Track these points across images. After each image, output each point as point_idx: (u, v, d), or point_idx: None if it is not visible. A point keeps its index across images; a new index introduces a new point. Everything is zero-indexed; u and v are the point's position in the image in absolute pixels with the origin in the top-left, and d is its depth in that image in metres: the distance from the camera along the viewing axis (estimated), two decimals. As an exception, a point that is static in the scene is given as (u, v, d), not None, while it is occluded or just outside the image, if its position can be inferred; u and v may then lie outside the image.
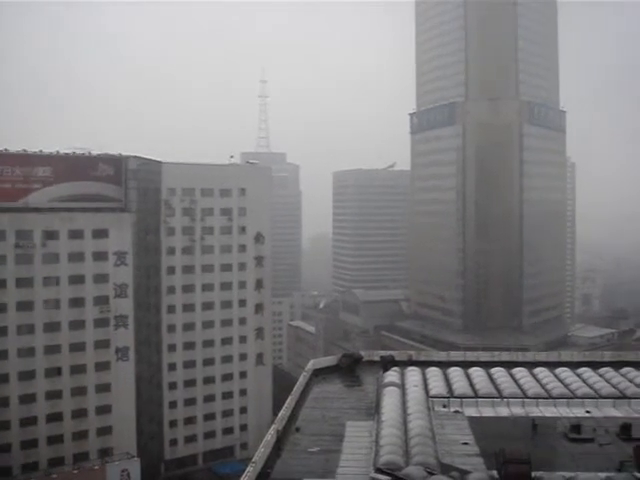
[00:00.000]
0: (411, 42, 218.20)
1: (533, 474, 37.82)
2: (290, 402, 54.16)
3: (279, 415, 50.83)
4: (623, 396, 57.26)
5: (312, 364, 67.30)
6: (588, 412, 54.31)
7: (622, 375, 63.10)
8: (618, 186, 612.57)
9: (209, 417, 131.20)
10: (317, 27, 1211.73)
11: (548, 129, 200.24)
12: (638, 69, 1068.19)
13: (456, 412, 54.08)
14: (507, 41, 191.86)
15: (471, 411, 54.34)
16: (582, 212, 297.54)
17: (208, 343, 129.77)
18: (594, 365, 66.89)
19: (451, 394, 57.42)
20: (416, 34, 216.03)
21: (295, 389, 57.92)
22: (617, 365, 67.05)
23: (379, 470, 39.10)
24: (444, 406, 55.16)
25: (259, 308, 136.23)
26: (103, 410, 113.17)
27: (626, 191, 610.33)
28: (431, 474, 38.53)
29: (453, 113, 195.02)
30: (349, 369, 68.18)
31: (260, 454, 42.78)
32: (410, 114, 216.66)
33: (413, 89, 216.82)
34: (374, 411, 52.29)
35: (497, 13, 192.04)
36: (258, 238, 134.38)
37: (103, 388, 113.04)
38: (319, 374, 66.10)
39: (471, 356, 72.35)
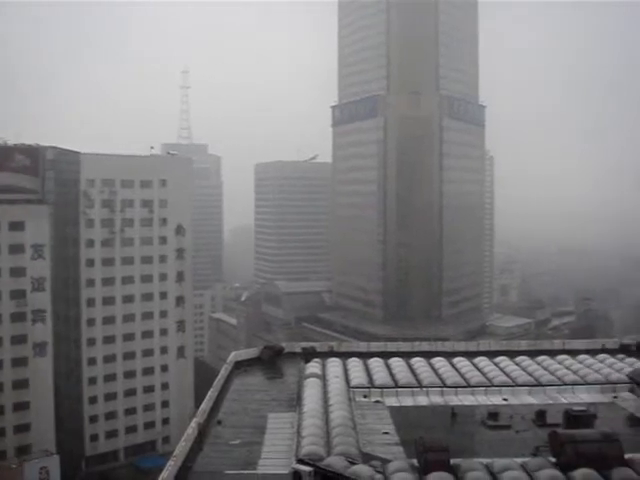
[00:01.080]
0: (335, 36, 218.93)
1: (452, 461, 38.45)
2: (211, 395, 53.84)
3: (200, 408, 50.49)
4: (538, 384, 58.72)
5: (233, 356, 67.05)
6: (505, 400, 55.55)
7: (538, 363, 64.70)
8: (535, 180, 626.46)
9: (130, 412, 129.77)
10: (243, 24, 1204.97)
11: (468, 123, 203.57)
12: (558, 66, 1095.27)
13: (377, 402, 54.64)
14: (428, 36, 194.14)
15: (391, 401, 54.97)
16: (500, 205, 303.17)
17: (128, 337, 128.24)
18: (511, 354, 68.31)
19: (372, 384, 57.93)
20: (339, 28, 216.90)
21: (216, 382, 57.60)
22: (533, 354, 68.65)
23: (301, 461, 39.18)
24: (365, 396, 55.66)
25: (180, 301, 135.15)
26: (21, 407, 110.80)
27: (542, 185, 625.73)
28: (352, 464, 38.78)
29: (375, 106, 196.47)
30: (271, 361, 68.16)
31: (181, 448, 42.46)
32: (332, 107, 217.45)
33: (336, 82, 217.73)
34: (295, 402, 52.39)
35: (419, 8, 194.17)
36: (179, 230, 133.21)
37: (20, 384, 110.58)
38: (241, 366, 65.88)
39: (392, 346, 73.09)
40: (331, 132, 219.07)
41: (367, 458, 40.81)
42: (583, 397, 56.21)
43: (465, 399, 55.70)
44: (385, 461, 40.09)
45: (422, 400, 55.57)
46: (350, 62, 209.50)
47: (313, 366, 62.21)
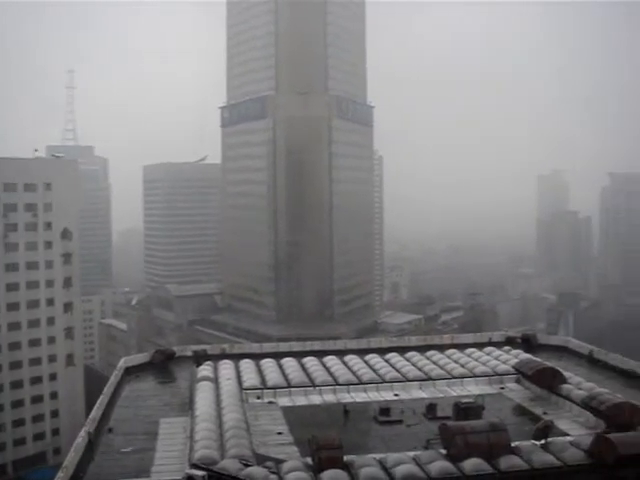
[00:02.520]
0: (224, 36, 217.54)
1: (345, 458, 38.80)
2: (101, 402, 52.58)
3: (90, 416, 49.21)
4: (429, 378, 59.85)
5: (124, 362, 65.70)
6: (396, 395, 56.40)
7: (427, 358, 65.92)
8: (423, 179, 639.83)
9: (18, 423, 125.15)
10: (133, 25, 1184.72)
11: (356, 123, 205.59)
12: (443, 67, 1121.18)
13: (270, 403, 54.59)
14: (317, 36, 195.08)
15: (285, 401, 55.03)
16: (390, 204, 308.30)
17: (14, 346, 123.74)
18: (402, 350, 69.36)
19: (264, 385, 57.80)
20: (227, 27, 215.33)
21: (106, 388, 56.30)
22: (423, 349, 69.94)
23: (194, 465, 38.76)
24: (258, 397, 55.53)
25: (68, 307, 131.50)
26: None
27: (430, 184, 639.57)
28: (246, 466, 38.62)
29: (264, 107, 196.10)
30: (162, 365, 67.16)
31: (71, 458, 41.27)
32: (221, 108, 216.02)
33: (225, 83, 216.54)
34: (188, 407, 51.80)
35: (307, 8, 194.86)
36: (65, 234, 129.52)
37: None
38: (132, 372, 64.63)
39: (284, 347, 73.14)
40: (220, 133, 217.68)
41: (261, 459, 40.68)
42: (472, 389, 57.65)
43: (357, 396, 56.25)
44: (279, 461, 40.09)
45: (315, 399, 55.82)
46: (239, 62, 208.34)
47: (205, 369, 61.56)
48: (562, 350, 71.02)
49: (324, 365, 63.64)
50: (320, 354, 67.69)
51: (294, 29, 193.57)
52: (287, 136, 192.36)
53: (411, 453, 40.66)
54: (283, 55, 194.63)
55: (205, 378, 58.07)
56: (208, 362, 64.54)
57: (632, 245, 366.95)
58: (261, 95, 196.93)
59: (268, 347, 73.75)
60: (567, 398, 52.35)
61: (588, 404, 48.23)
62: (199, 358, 66.25)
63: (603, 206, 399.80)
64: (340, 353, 68.34)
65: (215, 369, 62.29)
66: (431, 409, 50.75)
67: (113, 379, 59.98)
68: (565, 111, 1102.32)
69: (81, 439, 44.18)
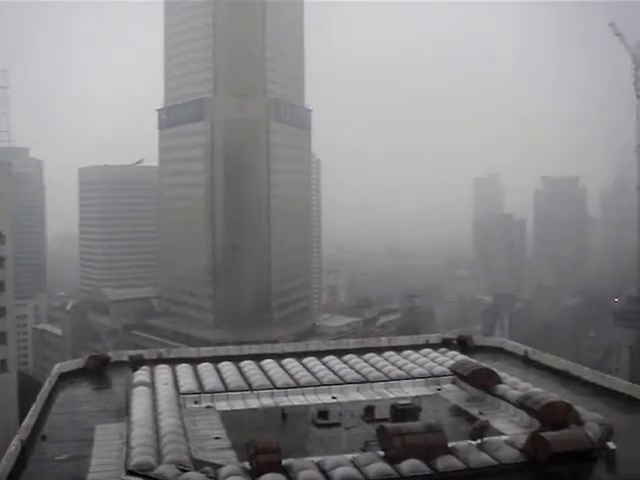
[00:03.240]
0: (161, 37, 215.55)
1: (284, 462, 38.68)
2: (35, 409, 51.45)
3: (23, 424, 48.11)
4: (366, 380, 60.08)
5: (58, 368, 64.51)
6: (334, 398, 56.44)
7: (365, 361, 66.15)
8: (361, 182, 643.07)
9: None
10: (69, 25, 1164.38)
11: (294, 126, 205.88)
12: (381, 69, 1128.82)
13: (208, 407, 54.16)
14: (255, 39, 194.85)
15: (222, 405, 54.67)
16: (327, 207, 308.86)
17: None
18: (339, 353, 69.52)
19: (202, 390, 57.34)
20: (165, 30, 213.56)
21: (40, 395, 55.16)
22: (361, 351, 70.15)
23: (130, 472, 38.22)
24: (195, 402, 55.05)
25: (1, 312, 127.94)
26: None
27: (368, 186, 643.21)
28: (184, 471, 38.24)
29: (202, 109, 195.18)
30: (97, 371, 66.12)
31: (3, 467, 40.17)
32: (158, 110, 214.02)
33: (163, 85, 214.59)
34: (124, 412, 51.05)
35: (246, 11, 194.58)
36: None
37: None
38: (66, 378, 63.47)
39: (221, 351, 72.74)
40: (158, 135, 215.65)
41: (199, 464, 40.31)
42: (409, 391, 58.04)
43: (295, 399, 56.18)
44: (217, 466, 39.77)
45: (253, 403, 55.61)
46: (176, 64, 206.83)
47: (141, 374, 60.77)
48: (497, 351, 72.07)
49: (262, 369, 63.41)
50: (258, 358, 67.46)
51: (232, 31, 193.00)
52: (225, 139, 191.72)
53: (349, 455, 40.77)
54: (221, 57, 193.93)
55: (141, 383, 57.34)
56: (144, 367, 63.73)
57: (564, 247, 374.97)
58: (199, 97, 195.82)
59: (205, 351, 73.14)
60: (502, 398, 53.07)
61: (523, 404, 48.94)
62: (135, 363, 65.36)
63: (536, 209, 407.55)
64: (278, 357, 68.22)
65: (152, 374, 61.54)
66: (369, 411, 50.94)
67: (47, 385, 58.83)
68: (502, 114, 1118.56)
69: (14, 447, 43.11)
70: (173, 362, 66.61)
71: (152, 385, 57.62)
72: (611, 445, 41.08)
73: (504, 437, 44.34)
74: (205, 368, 63.57)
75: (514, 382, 56.24)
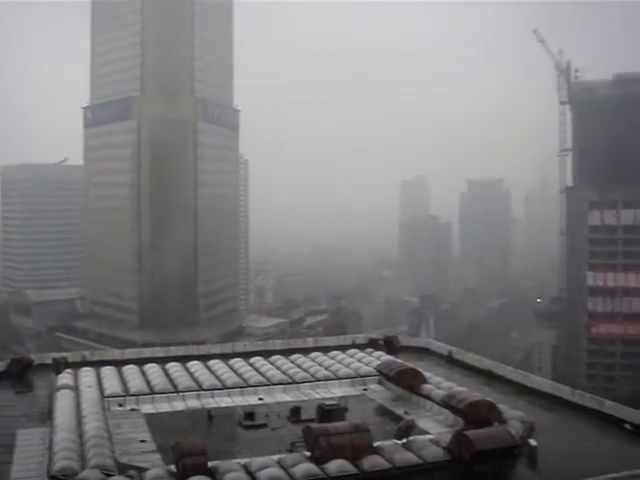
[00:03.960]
0: (88, 35, 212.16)
1: (210, 464, 38.47)
2: (-48, 415, 50.12)
3: (-63, 432, 46.80)
4: (293, 381, 60.10)
5: (-23, 371, 62.93)
6: (261, 399, 56.33)
7: (292, 362, 66.16)
8: (288, 183, 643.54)
9: None
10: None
11: (222, 126, 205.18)
12: (307, 73, 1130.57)
13: (132, 410, 53.46)
14: (183, 38, 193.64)
15: (148, 408, 53.97)
16: (255, 207, 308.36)
17: None
18: (266, 354, 69.33)
19: (127, 392, 56.51)
20: (92, 26, 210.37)
21: (-42, 400, 53.77)
22: (287, 352, 70.13)
23: (53, 477, 37.51)
24: (120, 405, 54.27)
25: None
26: None
27: (296, 187, 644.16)
28: (108, 475, 37.68)
29: (128, 108, 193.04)
30: (19, 374, 64.55)
31: None
32: (84, 108, 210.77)
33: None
34: (47, 416, 50.04)
35: (174, 9, 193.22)
36: None
37: None
38: (-15, 382, 61.89)
39: (147, 352, 71.77)
40: (83, 134, 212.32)
41: (124, 468, 39.76)
42: (335, 391, 58.25)
43: (222, 401, 55.86)
44: (142, 470, 39.29)
45: (179, 405, 55.06)
46: (103, 62, 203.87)
47: (65, 377, 59.64)
48: (423, 351, 72.88)
49: (188, 370, 62.87)
50: (184, 359, 66.80)
51: (160, 30, 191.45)
52: (152, 138, 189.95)
53: (275, 457, 40.72)
54: (149, 56, 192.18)
55: (65, 386, 56.30)
56: (68, 370, 62.57)
57: (489, 249, 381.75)
58: (126, 96, 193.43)
59: (130, 353, 72.16)
60: (427, 397, 53.73)
61: (447, 403, 49.63)
62: (59, 366, 64.09)
63: (462, 211, 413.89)
64: (204, 358, 67.68)
65: (75, 377, 60.46)
66: (295, 412, 51.00)
67: (-35, 390, 57.34)
68: (430, 117, 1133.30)
69: None
70: (97, 365, 65.54)
71: (76, 388, 56.61)
72: (532, 442, 42.03)
73: (429, 436, 44.84)
74: (130, 370, 62.71)
75: (439, 382, 56.99)
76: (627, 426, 46.87)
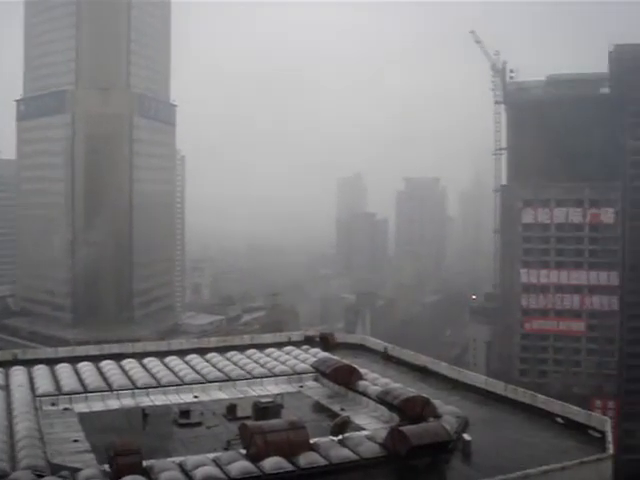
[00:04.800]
0: (21, 26, 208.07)
1: (144, 463, 38.03)
2: None
3: None
4: (228, 379, 59.81)
5: None
6: (196, 397, 55.95)
7: (228, 359, 65.86)
8: (226, 180, 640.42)
9: None
10: None
11: (159, 122, 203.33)
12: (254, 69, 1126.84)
13: (65, 409, 52.53)
14: (119, 32, 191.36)
15: (81, 407, 53.05)
16: (191, 204, 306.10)
17: None
18: (202, 351, 68.85)
19: (60, 391, 55.52)
20: (25, 17, 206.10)
21: None
22: (223, 350, 69.82)
23: (-18, 479, 36.74)
24: (53, 404, 53.27)
25: None
26: None
27: (233, 185, 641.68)
28: (40, 476, 36.95)
29: (63, 101, 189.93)
30: (-53, 374, 63.02)
31: None
32: (17, 101, 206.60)
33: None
34: (-24, 417, 48.90)
35: (110, 3, 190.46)
36: None
37: None
38: None
39: (80, 351, 70.47)
40: (16, 127, 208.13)
41: (56, 469, 39.00)
42: (271, 389, 58.20)
43: (157, 399, 55.25)
44: (75, 470, 38.63)
45: (113, 404, 54.30)
46: (38, 54, 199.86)
47: (-5, 376, 58.49)
48: (359, 348, 73.21)
49: (122, 369, 62.07)
50: (118, 357, 65.94)
51: (96, 22, 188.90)
52: (87, 133, 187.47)
53: (211, 455, 40.44)
54: (84, 49, 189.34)
55: (-5, 386, 55.21)
56: (-2, 369, 61.36)
57: (425, 246, 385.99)
58: (60, 89, 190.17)
59: (64, 351, 70.74)
60: (363, 394, 53.95)
61: (383, 399, 49.88)
62: (-12, 365, 62.82)
63: (399, 209, 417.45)
64: (139, 356, 66.89)
65: (6, 376, 59.21)
66: (231, 410, 50.76)
67: None
68: (366, 117, 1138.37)
69: None
70: (29, 363, 64.24)
71: (6, 388, 55.50)
72: (466, 437, 42.65)
73: (365, 432, 45.08)
74: (63, 369, 61.62)
75: (375, 378, 57.35)
76: (559, 420, 47.89)
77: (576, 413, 47.63)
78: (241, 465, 38.36)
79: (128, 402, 54.63)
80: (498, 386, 55.32)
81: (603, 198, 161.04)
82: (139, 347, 73.03)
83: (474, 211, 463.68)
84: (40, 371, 60.96)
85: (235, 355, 67.27)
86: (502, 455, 42.13)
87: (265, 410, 48.33)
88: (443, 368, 62.18)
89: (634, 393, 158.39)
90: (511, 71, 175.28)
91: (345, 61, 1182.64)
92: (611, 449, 41.60)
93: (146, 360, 64.91)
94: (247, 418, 47.66)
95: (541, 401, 50.53)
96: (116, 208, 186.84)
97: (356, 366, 59.19)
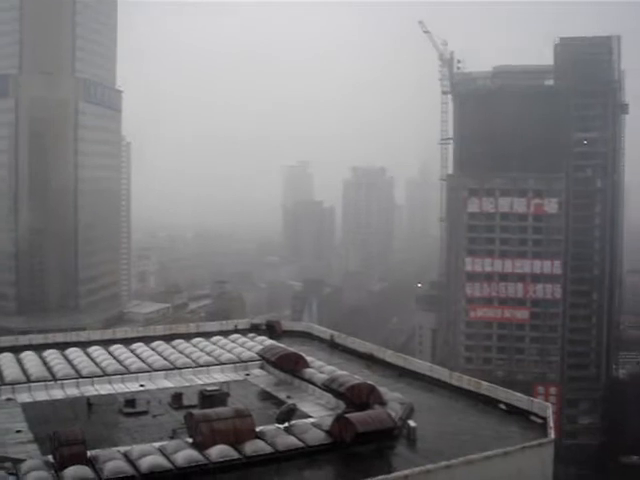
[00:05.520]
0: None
1: (89, 453, 37.75)
2: None
3: None
4: (174, 367, 59.65)
5: None
6: (142, 386, 55.68)
7: (174, 347, 65.61)
8: (172, 167, 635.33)
9: None
10: None
11: (104, 108, 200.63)
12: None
13: (8, 400, 51.84)
14: (64, 16, 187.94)
15: (24, 397, 52.40)
16: (137, 191, 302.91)
17: None
18: (148, 340, 68.49)
19: (2, 381, 54.78)
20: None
21: None
22: (169, 338, 69.53)
23: None
24: (-5, 394, 52.66)
25: None
26: None
27: (179, 172, 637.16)
28: (-18, 467, 36.63)
29: (6, 86, 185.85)
30: None
31: None
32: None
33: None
34: None
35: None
36: None
37: None
38: None
39: (23, 340, 69.58)
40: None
41: (-2, 459, 38.68)
42: (218, 377, 58.18)
43: (102, 388, 54.88)
44: (18, 461, 38.22)
45: (57, 393, 53.69)
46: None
47: None
48: (305, 335, 73.58)
49: (66, 358, 61.42)
50: (63, 346, 65.24)
51: (41, 6, 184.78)
52: (30, 118, 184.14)
53: (157, 444, 40.32)
54: (28, 33, 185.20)
55: None
56: (-62, 359, 60.22)
57: (371, 234, 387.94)
58: (3, 73, 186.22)
59: (6, 341, 69.67)
60: (309, 381, 54.31)
61: (328, 386, 50.22)
62: None
63: (345, 198, 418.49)
64: (84, 345, 66.25)
65: (-54, 367, 58.26)
66: (177, 398, 50.63)
67: None
68: (316, 107, 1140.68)
69: None
70: (-30, 353, 63.25)
71: (-53, 378, 54.64)
72: (412, 423, 43.22)
73: (311, 420, 45.42)
74: (5, 358, 60.69)
75: (321, 365, 57.70)
76: (502, 406, 48.77)
77: (519, 399, 48.56)
78: (187, 454, 38.31)
79: (72, 392, 54.07)
80: (443, 373, 56.13)
81: (547, 188, 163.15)
82: (84, 336, 72.30)
83: (421, 200, 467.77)
84: (-18, 361, 60.04)
85: (181, 343, 67.01)
86: (446, 441, 42.85)
87: (211, 398, 48.28)
88: (388, 355, 62.80)
89: (576, 380, 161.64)
90: (458, 61, 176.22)
91: (294, 56, 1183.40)
92: (552, 434, 42.56)
93: (91, 349, 64.32)
94: (193, 407, 47.60)
95: (485, 388, 51.39)
96: (61, 195, 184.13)
97: (302, 354, 59.49)
